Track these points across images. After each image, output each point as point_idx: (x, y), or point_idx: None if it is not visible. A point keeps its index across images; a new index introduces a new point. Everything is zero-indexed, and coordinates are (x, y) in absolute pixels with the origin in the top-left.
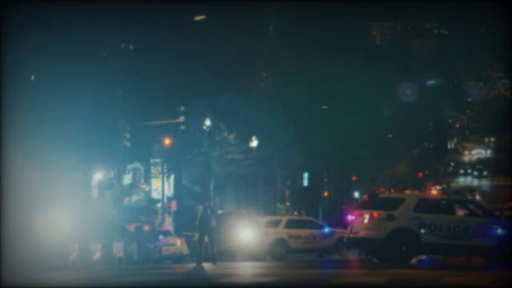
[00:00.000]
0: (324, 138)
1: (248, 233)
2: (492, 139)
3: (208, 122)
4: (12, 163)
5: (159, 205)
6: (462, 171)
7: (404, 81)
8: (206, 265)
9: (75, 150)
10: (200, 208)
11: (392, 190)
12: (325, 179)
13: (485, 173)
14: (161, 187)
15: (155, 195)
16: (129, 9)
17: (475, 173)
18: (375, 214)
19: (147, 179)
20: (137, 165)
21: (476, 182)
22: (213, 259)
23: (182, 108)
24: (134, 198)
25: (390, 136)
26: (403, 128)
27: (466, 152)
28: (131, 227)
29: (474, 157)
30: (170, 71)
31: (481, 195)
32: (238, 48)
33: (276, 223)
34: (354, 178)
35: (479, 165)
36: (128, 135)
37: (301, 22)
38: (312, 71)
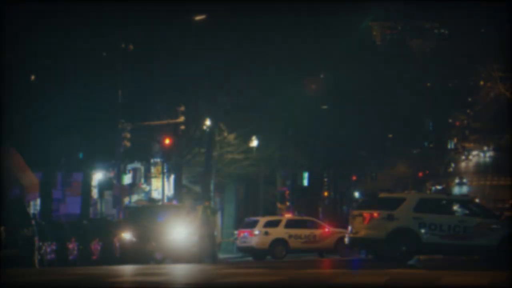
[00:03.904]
0: (324, 138)
1: (180, 231)
2: (492, 140)
3: (208, 122)
4: (12, 163)
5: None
6: (457, 181)
7: (404, 81)
8: (207, 265)
9: (75, 150)
10: (200, 208)
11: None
12: (325, 179)
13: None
14: (161, 187)
15: (155, 195)
16: (129, 9)
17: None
18: (375, 214)
19: (147, 179)
20: (137, 165)
21: (472, 188)
22: (214, 259)
23: (182, 108)
24: (134, 198)
25: (390, 136)
26: (403, 128)
27: (463, 157)
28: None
29: (473, 160)
30: (170, 71)
31: (480, 196)
32: (238, 48)
33: (276, 223)
34: (354, 178)
35: (477, 171)
36: (128, 135)
37: (300, 21)
38: (312, 71)
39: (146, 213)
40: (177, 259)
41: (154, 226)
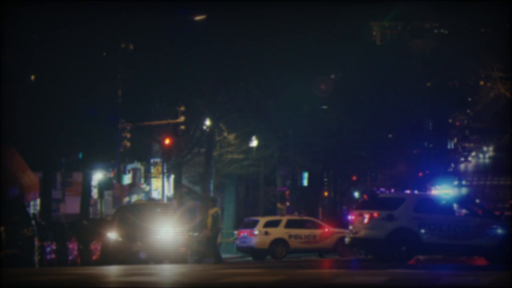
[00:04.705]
0: (324, 138)
1: (168, 231)
2: (492, 140)
3: (208, 122)
4: (12, 163)
5: None
6: (456, 182)
7: (404, 81)
8: (207, 265)
9: (75, 150)
10: (211, 212)
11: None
12: (325, 179)
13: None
14: (161, 187)
15: (155, 195)
16: (129, 9)
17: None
18: (375, 214)
19: (147, 179)
20: (137, 165)
21: (472, 188)
22: (215, 259)
23: (182, 108)
24: (134, 198)
25: (390, 136)
26: (403, 128)
27: (462, 158)
28: None
29: (473, 161)
30: (170, 71)
31: (480, 196)
32: (238, 48)
33: (276, 223)
34: (354, 178)
35: (477, 171)
36: (128, 135)
37: (301, 22)
38: (313, 71)
39: (134, 211)
40: (164, 260)
41: (141, 225)
